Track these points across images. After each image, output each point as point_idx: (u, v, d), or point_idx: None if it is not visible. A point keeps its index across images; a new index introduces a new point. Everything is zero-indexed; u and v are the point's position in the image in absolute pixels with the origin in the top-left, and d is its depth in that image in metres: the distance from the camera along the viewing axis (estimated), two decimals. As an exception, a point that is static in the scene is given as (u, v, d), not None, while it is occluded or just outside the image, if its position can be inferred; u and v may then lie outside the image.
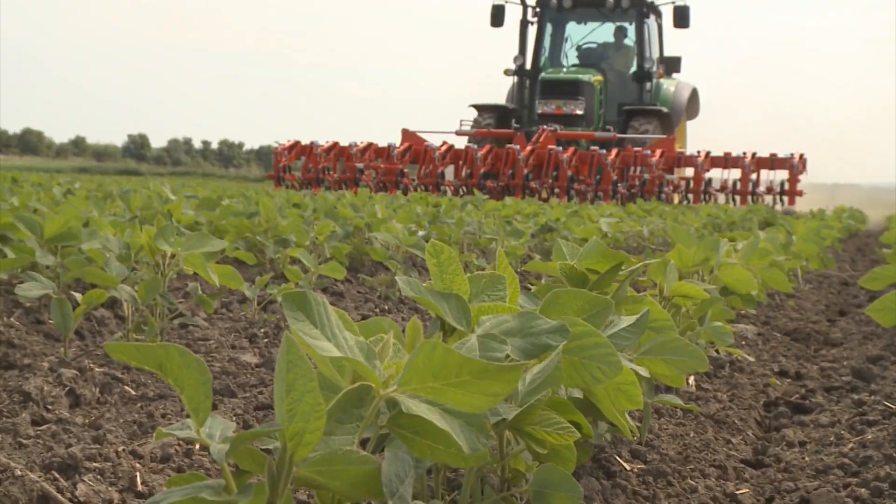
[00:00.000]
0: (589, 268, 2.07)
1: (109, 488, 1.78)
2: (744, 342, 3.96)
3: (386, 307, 4.42)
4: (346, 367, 1.22)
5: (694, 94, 23.80)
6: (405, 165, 19.91)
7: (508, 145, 19.30)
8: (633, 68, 22.40)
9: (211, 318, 3.76)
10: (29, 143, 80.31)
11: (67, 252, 3.40)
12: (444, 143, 20.16)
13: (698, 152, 19.81)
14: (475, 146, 19.83)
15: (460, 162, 19.63)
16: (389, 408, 1.20)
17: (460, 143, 21.03)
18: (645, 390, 1.78)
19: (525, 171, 18.65)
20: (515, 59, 22.39)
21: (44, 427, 2.17)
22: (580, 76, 21.38)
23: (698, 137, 20.14)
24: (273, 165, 20.48)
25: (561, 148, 19.19)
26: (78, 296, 2.96)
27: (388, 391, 1.12)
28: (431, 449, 1.19)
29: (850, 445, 2.33)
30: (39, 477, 1.76)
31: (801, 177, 19.78)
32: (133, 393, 2.60)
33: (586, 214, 9.01)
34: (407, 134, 20.83)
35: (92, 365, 2.75)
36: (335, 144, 20.04)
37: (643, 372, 1.69)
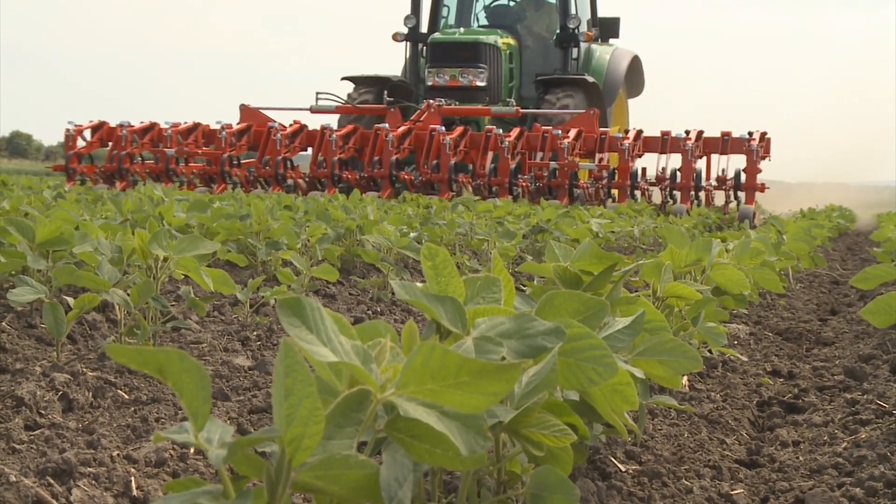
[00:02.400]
0: (582, 269, 2.08)
1: (104, 493, 1.78)
2: (736, 342, 3.97)
3: (378, 309, 4.41)
4: (344, 371, 1.22)
5: (636, 64, 19.29)
6: (240, 152, 15.53)
7: (377, 125, 14.91)
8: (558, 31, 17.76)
9: (203, 321, 3.75)
10: None
11: (59, 256, 3.39)
12: (296, 122, 15.77)
13: (626, 132, 15.26)
14: (331, 127, 15.37)
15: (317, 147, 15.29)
16: (387, 411, 1.20)
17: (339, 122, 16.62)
18: (640, 391, 1.78)
19: (393, 158, 14.44)
20: (407, 19, 17.69)
21: (37, 432, 2.17)
22: (480, 38, 16.75)
23: (647, 122, 16.16)
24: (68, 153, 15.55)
25: (444, 128, 14.75)
26: (70, 300, 2.96)
27: (386, 395, 1.12)
28: (429, 452, 1.18)
29: (844, 445, 2.34)
30: (34, 482, 1.76)
31: (763, 164, 15.07)
32: (126, 397, 2.59)
33: (577, 215, 9.01)
34: (247, 112, 16.15)
35: (85, 369, 2.75)
36: (152, 125, 15.52)
37: (638, 373, 1.69)
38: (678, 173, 14.91)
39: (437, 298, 1.43)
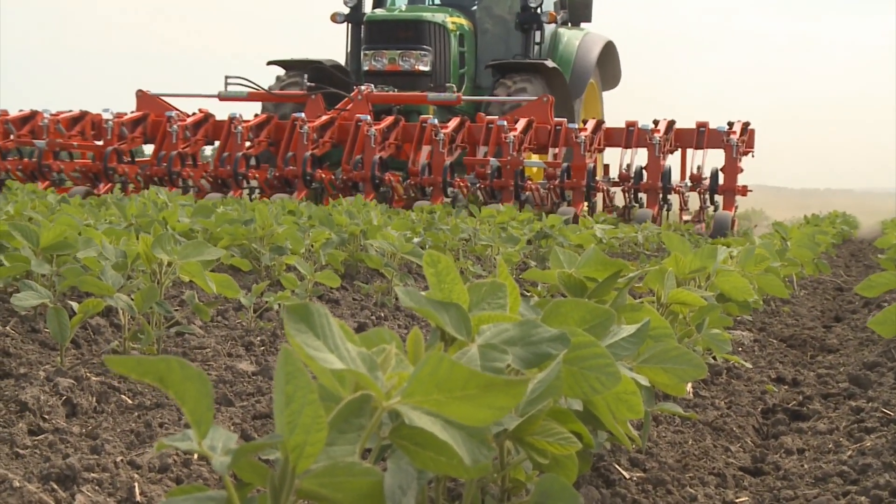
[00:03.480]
0: (587, 276, 2.07)
1: (108, 499, 1.78)
2: (740, 349, 3.96)
3: (382, 314, 4.41)
4: (348, 378, 1.21)
5: (610, 52, 16.97)
6: (135, 145, 13.56)
7: (295, 114, 12.87)
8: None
9: (207, 326, 3.75)
10: None
11: (63, 261, 3.39)
12: (202, 111, 13.77)
13: (584, 122, 13.30)
14: (240, 116, 13.15)
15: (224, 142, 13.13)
16: (392, 419, 1.20)
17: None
18: (645, 399, 1.78)
19: (308, 153, 12.36)
20: None
21: (41, 437, 2.16)
22: (424, 15, 14.61)
23: (625, 119, 13.23)
24: None
25: (366, 118, 12.58)
26: (74, 304, 2.96)
27: (391, 402, 1.12)
28: (434, 460, 1.18)
29: (849, 453, 2.33)
30: (37, 488, 1.75)
31: (744, 162, 12.82)
32: (130, 402, 2.59)
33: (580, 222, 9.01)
34: (144, 98, 14.07)
35: (88, 374, 2.75)
36: (33, 114, 13.21)
37: (643, 381, 1.69)
38: (644, 172, 12.65)
39: (441, 305, 1.43)
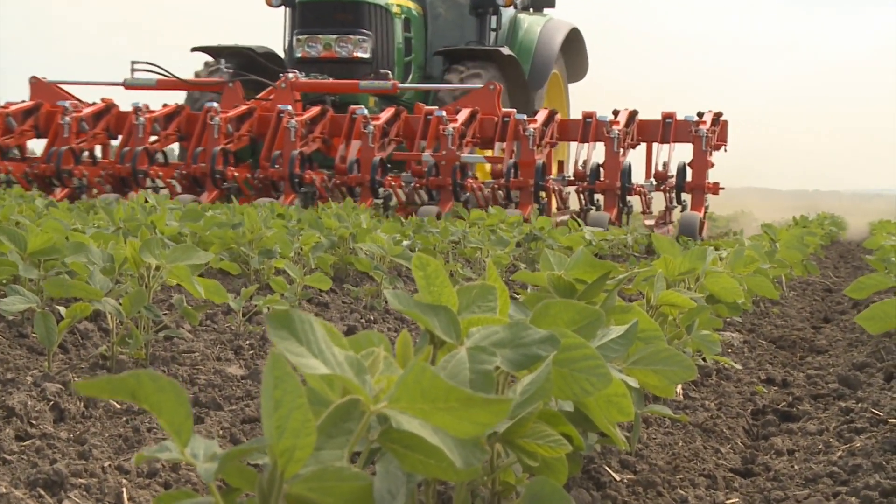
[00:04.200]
0: (577, 278, 2.07)
1: (95, 505, 1.76)
2: (730, 350, 3.96)
3: (371, 317, 4.40)
4: (336, 382, 1.21)
5: (575, 40, 15.49)
6: (24, 139, 11.90)
7: (208, 104, 11.65)
8: None
9: (196, 330, 3.74)
10: None
11: (51, 265, 3.38)
12: (105, 101, 12.28)
13: (535, 111, 12.11)
14: (144, 106, 11.80)
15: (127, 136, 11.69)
16: (380, 421, 1.19)
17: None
18: (635, 401, 1.78)
19: (218, 148, 11.03)
20: None
21: (28, 442, 2.15)
22: None
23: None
24: None
25: (287, 108, 11.33)
26: (62, 309, 2.94)
27: (379, 406, 1.11)
28: (423, 463, 1.17)
29: (839, 453, 2.33)
30: (24, 494, 1.74)
31: (714, 157, 11.41)
32: (118, 407, 2.57)
33: (572, 225, 9.01)
34: (39, 86, 12.57)
35: (76, 378, 2.73)
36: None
37: (633, 383, 1.68)
38: (601, 169, 11.24)
39: (430, 308, 1.42)
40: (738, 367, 3.45)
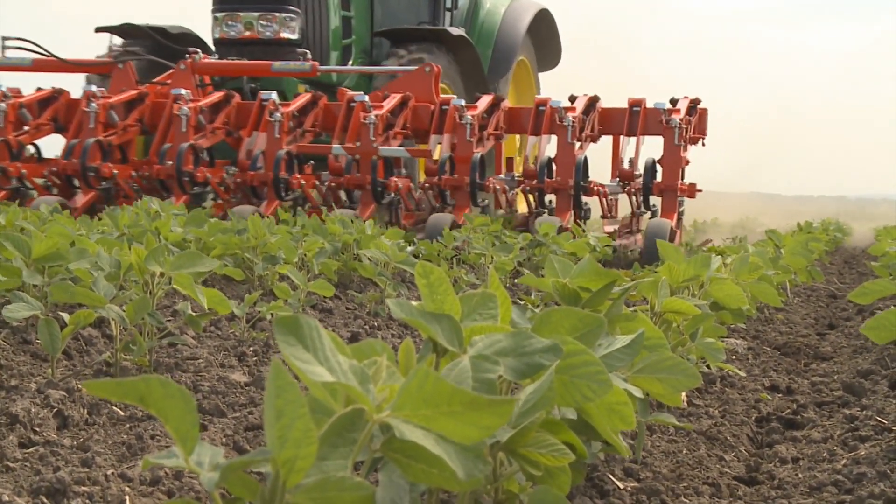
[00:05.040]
0: (581, 286, 2.07)
1: (98, 513, 1.76)
2: (734, 357, 3.95)
3: (375, 324, 4.40)
4: (339, 391, 1.21)
5: (545, 22, 13.65)
6: (34, 137, 10.09)
7: (86, 87, 10.03)
8: None
9: (199, 337, 3.74)
10: None
11: (55, 272, 3.38)
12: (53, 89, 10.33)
13: (477, 96, 10.21)
14: (7, 90, 9.87)
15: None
16: (383, 431, 1.19)
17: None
18: (639, 409, 1.78)
19: (90, 140, 9.28)
20: None
21: (31, 450, 2.15)
22: None
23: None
24: None
25: (181, 92, 9.70)
26: (66, 315, 2.94)
27: (382, 415, 1.11)
28: (426, 473, 1.17)
29: (844, 462, 2.33)
30: (27, 502, 1.74)
31: (690, 152, 9.75)
32: (121, 414, 2.57)
33: (576, 230, 8.98)
34: None
35: (80, 386, 2.73)
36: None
37: (637, 392, 1.68)
38: (554, 165, 9.29)
39: (433, 317, 1.42)
40: (743, 374, 3.45)
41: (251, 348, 3.55)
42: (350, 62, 11.78)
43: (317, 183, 9.42)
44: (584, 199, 9.34)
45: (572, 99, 9.78)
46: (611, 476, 2.12)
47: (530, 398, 1.37)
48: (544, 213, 9.39)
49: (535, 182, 9.26)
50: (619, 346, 1.67)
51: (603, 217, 9.75)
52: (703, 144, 10.14)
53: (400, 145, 9.54)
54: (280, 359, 1.11)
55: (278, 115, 9.46)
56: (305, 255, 5.21)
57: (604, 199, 9.51)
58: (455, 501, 1.71)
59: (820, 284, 7.30)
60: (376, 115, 9.19)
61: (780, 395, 3.36)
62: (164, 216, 6.07)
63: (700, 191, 9.58)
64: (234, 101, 10.11)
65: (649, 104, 9.58)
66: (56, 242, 3.39)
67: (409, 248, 5.86)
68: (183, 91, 9.73)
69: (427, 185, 9.21)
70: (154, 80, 10.44)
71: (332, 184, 9.32)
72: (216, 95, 10.04)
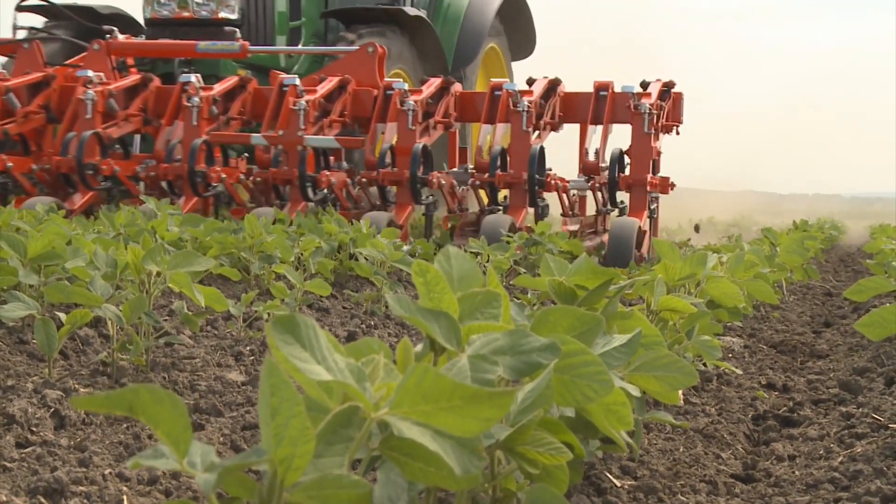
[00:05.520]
0: (578, 284, 2.07)
1: (96, 512, 1.76)
2: (730, 355, 3.96)
3: (372, 323, 4.40)
4: (335, 390, 1.21)
5: (516, 7, 12.63)
6: (22, 128, 8.84)
7: None
8: None
9: (196, 336, 3.74)
10: None
11: (51, 271, 3.38)
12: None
13: (425, 80, 9.17)
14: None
15: None
16: (381, 429, 1.19)
17: None
18: (636, 407, 1.78)
19: None
20: None
21: (28, 450, 2.15)
22: None
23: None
24: None
25: (88, 74, 8.63)
26: (62, 315, 2.94)
27: (380, 413, 1.11)
28: (424, 471, 1.17)
29: (840, 459, 2.33)
30: (25, 502, 1.74)
31: (664, 142, 8.69)
32: (118, 413, 2.57)
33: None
34: None
35: (77, 385, 2.73)
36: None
37: (634, 391, 1.68)
38: (507, 156, 8.18)
39: (432, 314, 1.42)
40: (739, 372, 3.45)
41: (248, 348, 3.55)
42: (301, 44, 10.74)
43: (241, 177, 8.30)
44: (546, 194, 8.30)
45: (530, 82, 8.71)
46: (608, 474, 2.12)
47: (528, 396, 1.38)
48: (500, 210, 8.24)
49: (486, 176, 8.11)
50: (616, 344, 1.67)
51: (563, 215, 8.57)
52: (678, 133, 8.96)
53: (342, 134, 8.49)
54: (273, 358, 1.11)
55: (197, 99, 8.38)
56: (302, 254, 5.21)
57: (564, 195, 8.35)
58: (453, 500, 1.72)
59: (816, 282, 7.31)
60: (307, 101, 8.17)
61: (776, 392, 3.36)
62: (160, 216, 6.07)
63: (674, 185, 8.48)
64: (152, 85, 9.04)
65: (618, 88, 8.54)
66: (52, 241, 3.39)
67: (406, 248, 5.86)
68: (90, 73, 8.60)
69: (364, 179, 8.07)
70: (66, 63, 9.44)
71: (258, 178, 8.22)
72: (131, 79, 9.01)
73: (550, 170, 8.24)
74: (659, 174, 8.48)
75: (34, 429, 2.31)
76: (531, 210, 8.26)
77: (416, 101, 8.26)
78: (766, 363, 3.94)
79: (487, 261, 6.00)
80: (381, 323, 4.44)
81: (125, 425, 2.46)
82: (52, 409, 2.46)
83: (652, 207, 8.41)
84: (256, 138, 8.25)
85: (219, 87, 8.73)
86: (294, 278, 4.15)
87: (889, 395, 3.02)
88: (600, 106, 8.54)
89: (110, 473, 1.95)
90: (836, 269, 9.63)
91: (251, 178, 8.25)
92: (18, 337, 3.33)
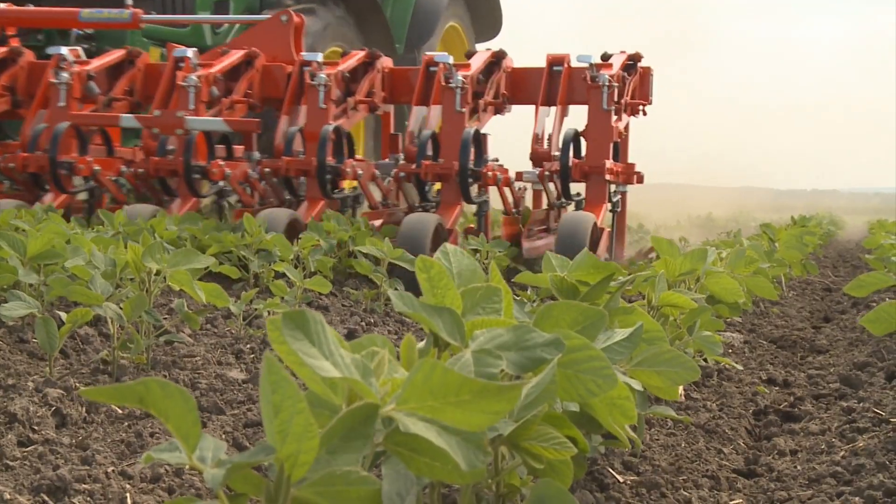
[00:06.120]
0: (579, 279, 2.07)
1: (99, 510, 1.76)
2: (731, 350, 3.96)
3: (372, 320, 4.40)
4: (340, 386, 1.21)
5: None
6: None
7: None
8: None
9: (196, 335, 3.73)
10: None
11: (51, 270, 3.37)
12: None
13: (343, 55, 7.70)
14: None
15: None
16: (385, 424, 1.19)
17: None
18: (638, 402, 1.78)
19: None
20: None
21: (30, 448, 2.15)
22: None
23: None
24: None
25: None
26: (62, 314, 2.94)
27: (386, 409, 1.11)
28: (428, 466, 1.17)
29: (842, 453, 2.33)
30: (28, 500, 1.74)
31: (628, 122, 7.29)
32: (120, 412, 2.57)
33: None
34: None
35: (78, 384, 2.73)
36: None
37: (637, 385, 1.68)
38: (436, 146, 6.72)
39: (435, 310, 1.42)
40: (740, 367, 3.45)
41: (248, 345, 3.55)
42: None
43: (123, 168, 6.83)
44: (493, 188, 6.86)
45: (470, 55, 7.37)
46: (610, 469, 2.12)
47: (532, 391, 1.38)
48: (430, 206, 6.70)
49: (413, 167, 6.56)
50: (618, 338, 1.67)
51: (505, 214, 7.13)
52: (644, 114, 7.47)
53: (247, 116, 7.22)
54: (274, 355, 1.11)
55: (66, 75, 6.94)
56: (301, 252, 5.20)
57: (504, 189, 6.81)
58: (457, 495, 1.72)
59: (815, 278, 7.32)
60: (199, 77, 6.81)
61: (777, 388, 3.36)
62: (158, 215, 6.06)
63: (640, 173, 7.26)
64: (21, 60, 7.49)
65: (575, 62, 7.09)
66: (51, 240, 3.39)
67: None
68: (64, 50, 7.30)
69: (268, 169, 6.67)
70: None
71: (139, 169, 6.79)
72: (114, 55, 7.57)
73: (496, 160, 6.91)
74: (627, 161, 7.27)
75: (36, 427, 2.31)
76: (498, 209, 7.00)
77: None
78: (767, 358, 3.94)
79: (486, 257, 5.99)
80: (380, 320, 4.44)
81: (126, 423, 2.46)
82: (54, 408, 2.46)
83: (614, 200, 7.08)
84: (126, 120, 6.90)
85: (97, 62, 7.30)
86: (294, 276, 4.15)
87: (890, 389, 3.02)
88: (554, 83, 7.12)
89: (113, 471, 1.95)
90: (835, 264, 9.64)
91: (133, 170, 6.79)
92: (19, 336, 3.33)
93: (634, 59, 7.38)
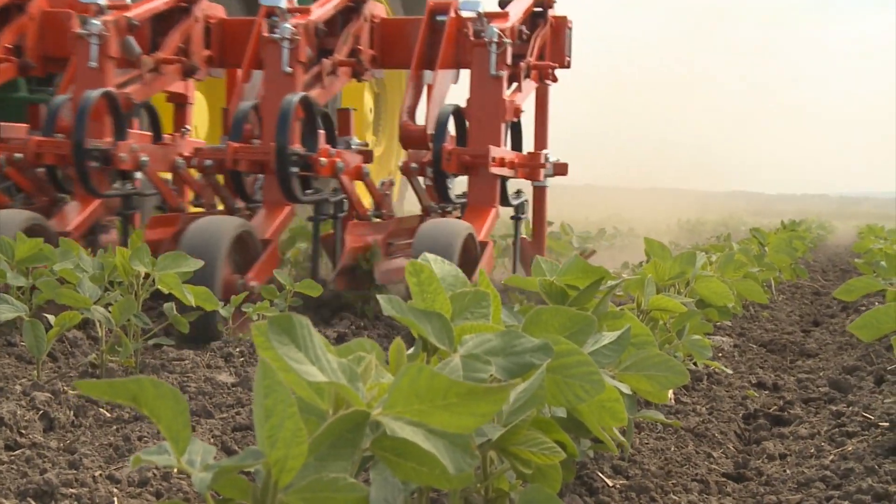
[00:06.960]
0: (568, 283, 2.07)
1: (86, 515, 1.75)
2: (720, 354, 3.97)
3: (362, 324, 4.39)
4: (327, 391, 1.20)
5: None
6: None
7: None
8: None
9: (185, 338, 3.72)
10: None
11: (39, 273, 3.36)
12: None
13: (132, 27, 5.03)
14: None
15: None
16: (373, 429, 1.19)
17: None
18: (627, 406, 1.78)
19: None
20: None
21: (18, 452, 2.14)
22: None
23: None
24: None
25: None
26: (51, 317, 2.92)
27: (373, 414, 1.11)
28: (416, 471, 1.17)
29: (831, 457, 2.34)
30: (14, 504, 1.73)
31: (540, 91, 5.41)
32: (108, 415, 2.56)
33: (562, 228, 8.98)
34: None
35: (66, 388, 2.72)
36: None
37: (625, 389, 1.68)
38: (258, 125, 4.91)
39: (424, 314, 1.42)
40: (729, 371, 3.46)
41: (238, 349, 3.54)
42: None
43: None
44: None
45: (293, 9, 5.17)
46: (600, 474, 2.12)
47: (521, 397, 1.37)
48: (248, 210, 4.96)
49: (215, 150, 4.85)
50: (606, 342, 1.67)
51: (351, 219, 4.94)
52: (555, 79, 5.52)
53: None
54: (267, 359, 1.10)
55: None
56: (291, 256, 5.19)
57: (352, 183, 4.92)
58: (445, 500, 1.71)
59: (804, 282, 7.33)
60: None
61: (766, 391, 3.37)
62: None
63: (562, 164, 5.37)
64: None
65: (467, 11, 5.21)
66: (39, 243, 3.37)
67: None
68: None
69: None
70: None
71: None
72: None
73: (352, 142, 5.05)
74: (533, 151, 5.35)
75: (23, 431, 2.30)
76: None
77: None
78: (756, 362, 3.95)
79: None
80: (370, 324, 4.43)
81: (114, 427, 2.45)
82: (41, 412, 2.45)
83: (515, 203, 5.35)
84: None
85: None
86: (284, 279, 4.14)
87: (879, 393, 3.03)
88: (434, 41, 5.25)
89: (101, 475, 1.94)
90: (825, 268, 9.66)
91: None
92: (6, 339, 3.31)
93: (544, 4, 5.49)
